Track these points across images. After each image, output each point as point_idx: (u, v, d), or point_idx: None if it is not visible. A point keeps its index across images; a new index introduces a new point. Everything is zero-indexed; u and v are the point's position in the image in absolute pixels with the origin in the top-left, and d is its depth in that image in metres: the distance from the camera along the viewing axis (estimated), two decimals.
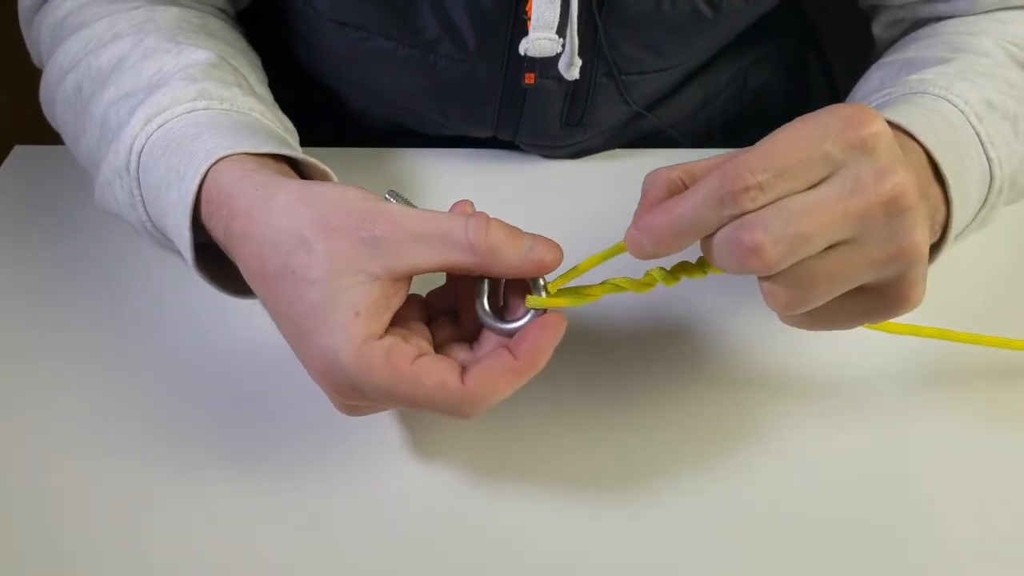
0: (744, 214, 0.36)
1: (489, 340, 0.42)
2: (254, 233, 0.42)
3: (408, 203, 0.42)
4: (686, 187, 0.40)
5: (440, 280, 0.45)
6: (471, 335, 0.43)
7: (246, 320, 0.51)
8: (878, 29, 0.63)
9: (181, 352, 0.51)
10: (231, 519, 0.44)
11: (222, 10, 0.60)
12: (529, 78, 0.59)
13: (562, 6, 0.53)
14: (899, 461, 0.47)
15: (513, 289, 0.43)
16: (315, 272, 0.40)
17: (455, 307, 0.44)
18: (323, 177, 0.48)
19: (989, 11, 0.57)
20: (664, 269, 0.42)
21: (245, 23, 0.63)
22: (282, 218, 0.41)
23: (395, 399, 0.40)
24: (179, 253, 0.47)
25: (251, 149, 0.45)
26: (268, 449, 0.46)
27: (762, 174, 0.36)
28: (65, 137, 0.56)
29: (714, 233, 0.38)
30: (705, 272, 0.41)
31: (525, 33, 0.55)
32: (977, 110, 0.49)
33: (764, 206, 0.36)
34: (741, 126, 0.71)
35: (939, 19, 0.59)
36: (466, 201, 0.43)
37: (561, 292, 0.42)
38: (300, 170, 0.48)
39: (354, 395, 0.40)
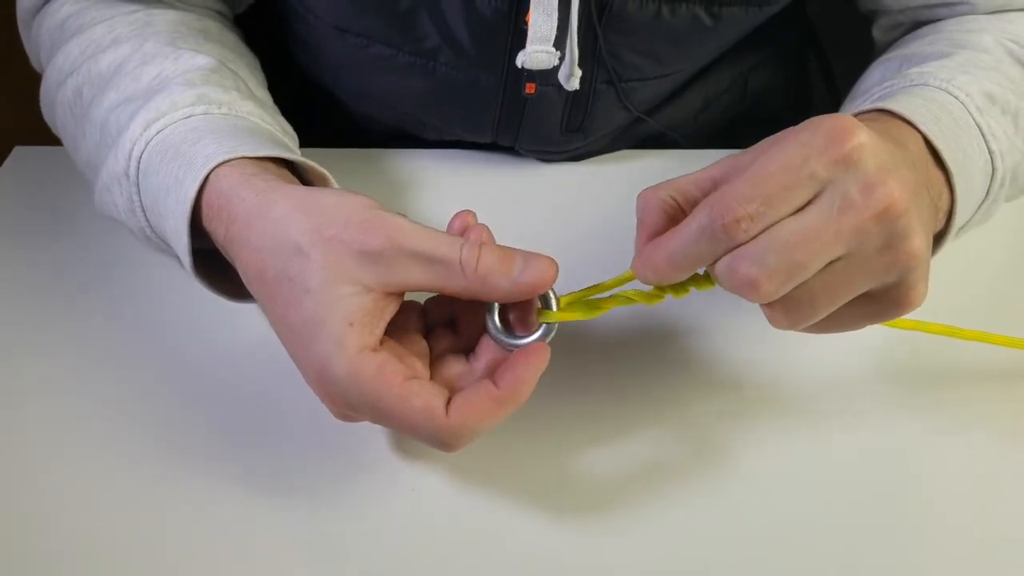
0: (739, 245, 0.37)
1: (486, 352, 0.42)
2: (253, 239, 0.42)
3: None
4: (679, 205, 0.40)
5: None
6: (469, 345, 0.43)
7: (246, 321, 0.51)
8: (878, 33, 0.64)
9: (181, 353, 0.51)
10: (230, 519, 0.44)
11: (220, 13, 0.60)
12: (530, 88, 0.59)
13: (561, 19, 0.53)
14: (899, 462, 0.47)
15: (523, 303, 0.43)
16: (311, 281, 0.40)
17: (454, 315, 0.44)
18: (322, 180, 0.48)
19: (990, 12, 0.57)
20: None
21: (244, 26, 0.63)
22: (280, 225, 0.41)
23: (381, 414, 0.40)
24: (177, 258, 0.47)
25: (250, 153, 0.45)
26: (267, 450, 0.46)
27: (751, 204, 0.36)
28: (65, 141, 0.56)
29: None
30: (713, 284, 0.41)
31: (525, 43, 0.55)
32: (978, 102, 0.49)
33: (757, 235, 0.37)
34: (742, 128, 0.71)
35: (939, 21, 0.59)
36: (468, 212, 0.43)
37: (572, 306, 0.43)
38: (299, 173, 0.48)
39: (344, 405, 0.41)
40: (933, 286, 0.40)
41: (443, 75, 0.60)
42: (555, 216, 0.60)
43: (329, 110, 0.68)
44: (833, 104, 0.58)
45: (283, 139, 0.51)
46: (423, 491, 0.45)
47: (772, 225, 0.37)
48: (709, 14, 0.57)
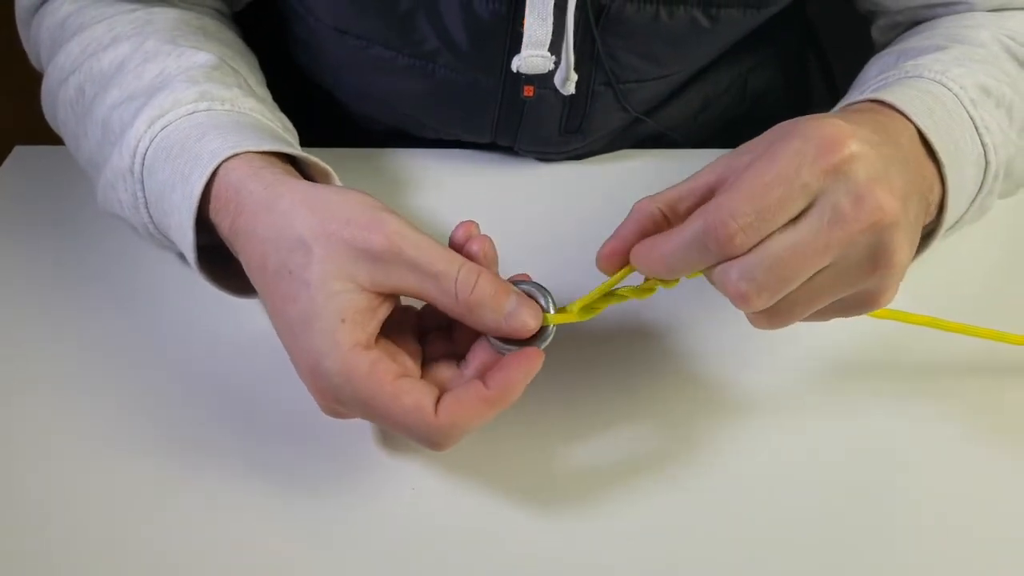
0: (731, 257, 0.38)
1: (477, 356, 0.43)
2: (258, 230, 0.42)
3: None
4: (665, 217, 0.41)
5: None
6: (462, 351, 0.44)
7: (245, 322, 0.51)
8: (877, 33, 0.64)
9: (180, 352, 0.51)
10: (229, 519, 0.44)
11: (219, 11, 0.61)
12: (528, 91, 0.59)
13: (557, 23, 0.53)
14: (888, 458, 0.47)
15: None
16: (310, 275, 0.40)
17: (450, 322, 0.44)
18: (324, 176, 0.49)
19: (988, 11, 0.57)
20: None
21: (244, 26, 0.63)
22: (286, 219, 0.42)
23: (371, 411, 0.40)
24: (180, 256, 0.47)
25: (254, 147, 0.46)
26: (267, 449, 0.47)
27: (744, 218, 0.37)
28: (66, 139, 0.57)
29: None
30: (701, 271, 0.41)
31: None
32: (972, 95, 0.49)
33: (751, 248, 0.37)
34: (741, 128, 0.71)
35: None
36: (471, 222, 0.44)
37: (567, 309, 0.43)
38: (302, 169, 0.48)
39: (334, 400, 0.41)
40: (923, 278, 0.40)
41: (442, 77, 0.60)
42: (554, 216, 0.60)
43: (329, 110, 0.69)
44: (833, 104, 0.58)
45: (285, 135, 0.51)
46: (423, 491, 0.45)
47: (766, 238, 0.37)
48: (707, 16, 0.57)
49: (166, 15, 0.56)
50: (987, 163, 0.49)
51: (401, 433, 0.41)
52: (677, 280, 0.42)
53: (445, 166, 0.64)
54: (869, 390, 0.50)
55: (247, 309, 0.51)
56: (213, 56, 0.52)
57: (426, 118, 0.64)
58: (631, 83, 0.61)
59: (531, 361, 0.41)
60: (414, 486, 0.45)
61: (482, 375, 0.41)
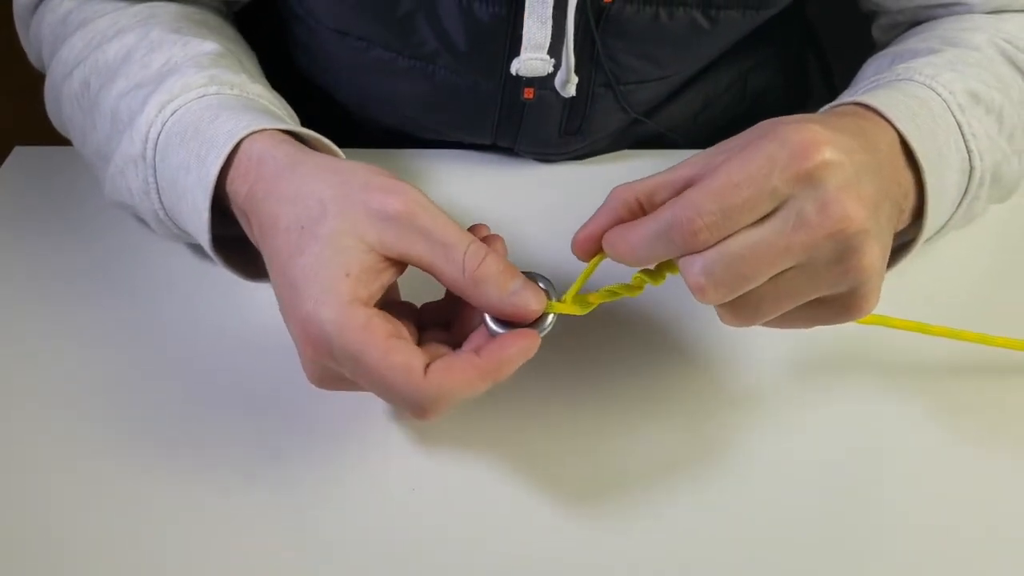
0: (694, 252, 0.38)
1: (473, 342, 0.43)
2: (276, 192, 0.43)
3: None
4: (640, 207, 0.41)
5: (439, 293, 0.45)
6: (459, 344, 0.43)
7: (247, 321, 0.52)
8: (877, 32, 0.64)
9: (182, 351, 0.51)
10: (228, 518, 0.44)
11: (218, 10, 0.61)
12: (528, 93, 0.59)
13: (556, 26, 0.53)
14: (889, 458, 0.47)
15: None
16: (322, 229, 0.41)
17: (449, 319, 0.45)
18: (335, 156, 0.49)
19: (987, 13, 0.57)
20: (649, 270, 0.43)
21: (243, 28, 0.63)
22: (307, 180, 0.42)
23: (360, 367, 0.39)
24: (187, 242, 0.47)
25: (269, 126, 0.46)
26: (267, 449, 0.47)
27: (710, 216, 0.37)
28: (72, 133, 0.57)
29: None
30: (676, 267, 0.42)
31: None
32: (960, 100, 0.49)
33: (713, 244, 0.38)
34: (742, 128, 0.71)
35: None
36: (482, 225, 0.44)
37: (564, 299, 0.43)
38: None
39: (326, 353, 0.40)
40: (911, 283, 0.40)
41: (442, 79, 0.60)
42: (554, 216, 0.60)
43: (329, 111, 0.68)
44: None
45: (290, 122, 0.52)
46: (423, 491, 0.45)
47: (730, 236, 0.38)
48: (706, 17, 0.57)
49: (168, 9, 0.56)
50: (972, 168, 0.49)
51: (387, 396, 0.41)
52: (663, 276, 0.42)
53: (445, 167, 0.64)
54: (869, 390, 0.50)
55: (249, 308, 0.51)
56: (219, 46, 0.53)
57: (426, 120, 0.65)
58: (631, 84, 0.61)
59: (527, 340, 0.41)
60: (414, 486, 0.45)
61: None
